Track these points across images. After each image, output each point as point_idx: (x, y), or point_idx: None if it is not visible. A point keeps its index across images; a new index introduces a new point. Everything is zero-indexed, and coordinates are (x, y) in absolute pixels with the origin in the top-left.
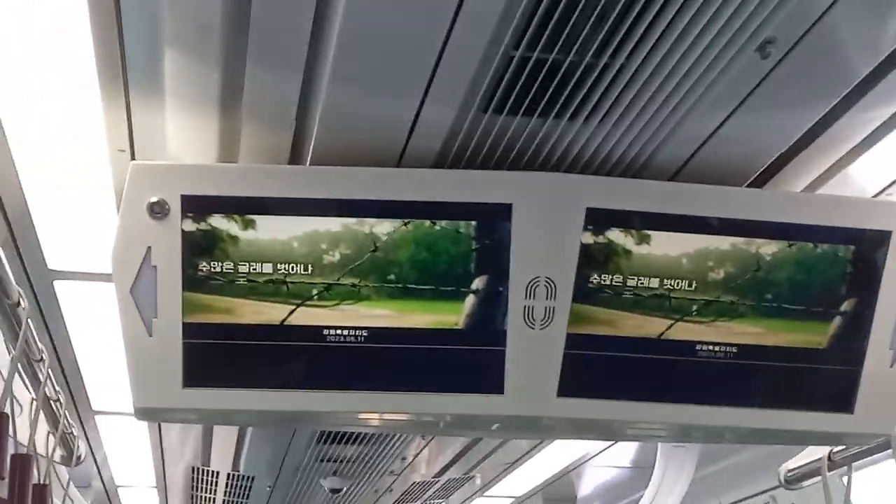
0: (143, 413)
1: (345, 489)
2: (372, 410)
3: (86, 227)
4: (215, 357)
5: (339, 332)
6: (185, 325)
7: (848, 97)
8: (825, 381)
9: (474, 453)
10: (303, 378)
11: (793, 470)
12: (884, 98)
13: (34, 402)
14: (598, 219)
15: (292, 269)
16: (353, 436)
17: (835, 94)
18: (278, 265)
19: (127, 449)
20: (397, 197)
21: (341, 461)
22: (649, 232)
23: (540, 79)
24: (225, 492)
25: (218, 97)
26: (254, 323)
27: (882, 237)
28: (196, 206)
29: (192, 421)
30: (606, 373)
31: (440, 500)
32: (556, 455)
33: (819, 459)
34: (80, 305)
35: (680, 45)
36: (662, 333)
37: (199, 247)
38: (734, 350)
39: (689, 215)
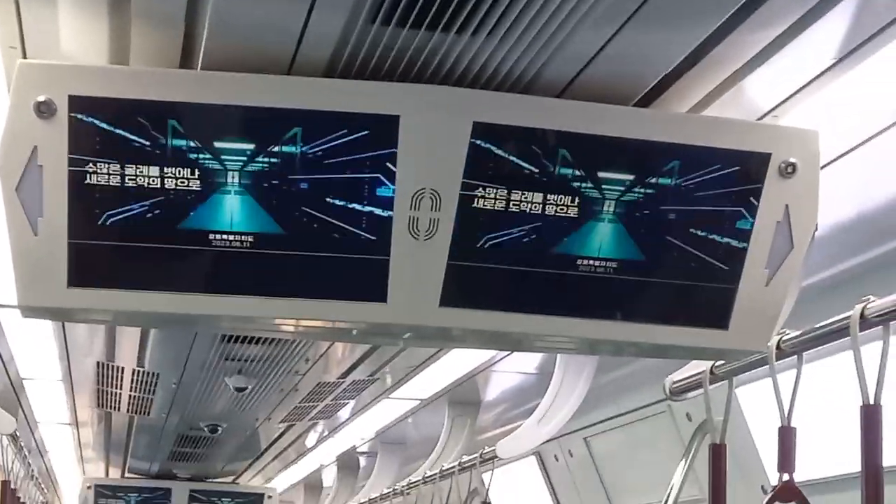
0: (28, 311)
1: (250, 388)
2: (253, 315)
3: None
4: (100, 257)
5: (225, 236)
6: (70, 224)
7: (734, 16)
8: (703, 298)
9: (379, 356)
10: (187, 281)
11: (678, 382)
12: (769, 19)
13: None
14: (485, 133)
15: (179, 173)
16: (258, 337)
17: (720, 13)
18: (165, 168)
19: (31, 343)
20: (287, 105)
21: (246, 360)
22: (534, 147)
23: None
24: (131, 387)
25: None
26: (139, 224)
27: (762, 159)
28: (84, 106)
29: (78, 320)
30: (488, 284)
31: (347, 400)
32: (459, 360)
33: (702, 372)
34: None
35: None
36: (543, 246)
37: (86, 147)
38: (614, 265)
39: (574, 132)
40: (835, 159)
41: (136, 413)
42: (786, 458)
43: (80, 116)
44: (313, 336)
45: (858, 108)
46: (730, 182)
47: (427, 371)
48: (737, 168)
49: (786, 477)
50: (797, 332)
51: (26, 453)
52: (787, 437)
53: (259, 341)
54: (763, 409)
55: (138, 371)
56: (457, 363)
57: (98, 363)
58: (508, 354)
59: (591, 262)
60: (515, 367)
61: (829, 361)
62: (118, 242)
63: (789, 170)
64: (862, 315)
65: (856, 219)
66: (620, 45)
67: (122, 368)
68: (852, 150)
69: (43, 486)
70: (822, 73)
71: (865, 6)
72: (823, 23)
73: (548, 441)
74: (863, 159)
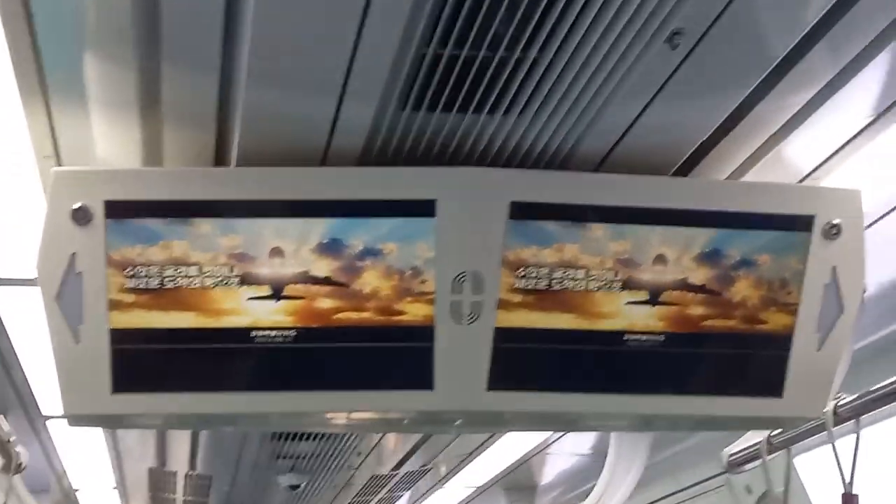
0: (74, 419)
1: (303, 485)
2: (299, 410)
3: (20, 235)
4: (143, 362)
5: (266, 332)
6: (111, 331)
7: (766, 81)
8: (754, 367)
9: (432, 445)
10: (231, 380)
11: (735, 454)
12: (802, 80)
13: None
14: (523, 212)
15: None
16: (308, 433)
17: (752, 78)
18: (204, 268)
19: (83, 453)
20: (322, 196)
21: (297, 458)
22: (574, 224)
23: (455, 75)
24: (184, 491)
25: (137, 101)
26: (180, 327)
27: (806, 222)
28: (120, 211)
29: (124, 426)
30: (535, 365)
31: (401, 493)
32: (513, 445)
33: (759, 443)
34: (21, 312)
35: (589, 37)
36: (590, 324)
37: (124, 253)
38: (662, 338)
39: (614, 206)
40: (877, 219)
41: None
42: None
43: (116, 221)
44: (364, 428)
45: None
46: (775, 247)
47: (480, 458)
48: (781, 232)
49: None
50: (853, 396)
51: None
52: None
53: (310, 437)
54: (822, 477)
55: (191, 475)
56: (510, 448)
57: (150, 469)
58: (562, 436)
59: (639, 336)
60: (570, 449)
61: (883, 425)
62: (161, 346)
63: (834, 231)
64: None
65: None
66: (654, 116)
67: (175, 473)
68: (893, 209)
69: None
70: (861, 132)
71: None
72: (858, 80)
73: None
74: None
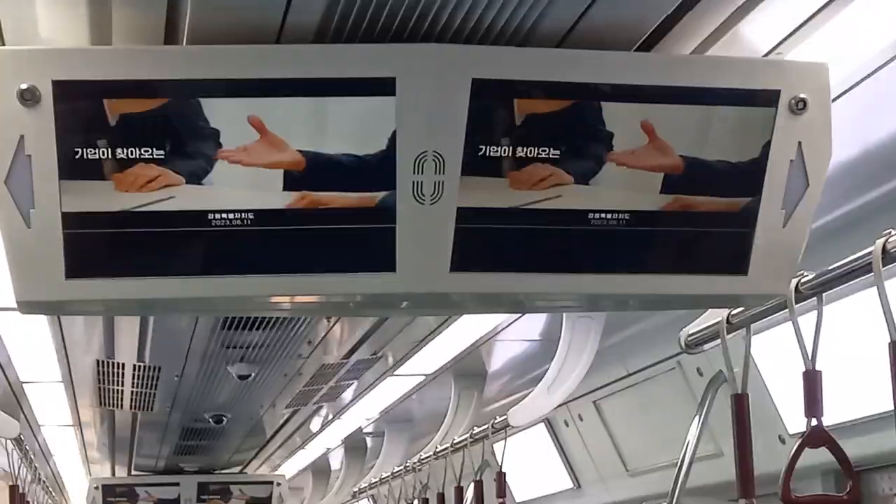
0: (27, 306)
1: (253, 374)
2: (259, 294)
3: None
4: (97, 246)
5: (223, 215)
6: (63, 214)
7: None
8: (719, 244)
9: (382, 333)
10: (188, 264)
11: (693, 334)
12: None
13: None
14: (485, 89)
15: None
16: (258, 321)
17: None
18: (156, 150)
19: (30, 345)
20: (278, 75)
21: (247, 347)
22: (536, 101)
23: None
24: (133, 383)
25: None
26: (134, 209)
27: (771, 96)
28: (68, 91)
29: (79, 312)
30: (499, 245)
31: (351, 381)
32: (463, 331)
33: (718, 322)
34: None
35: None
36: (553, 201)
37: (74, 133)
38: (626, 217)
39: (577, 82)
40: (839, 95)
41: (138, 409)
42: (813, 403)
43: (65, 100)
44: (308, 312)
45: (863, 40)
46: (740, 122)
47: (430, 345)
48: (746, 107)
49: (814, 422)
50: (815, 273)
51: (32, 457)
52: (812, 381)
53: (260, 326)
54: (774, 358)
55: (139, 366)
56: (460, 335)
57: (98, 361)
58: (511, 322)
59: (603, 215)
60: (520, 335)
61: (841, 303)
62: (115, 229)
63: (800, 106)
64: (884, 250)
65: (862, 156)
66: None
67: (123, 364)
68: (856, 84)
69: (50, 489)
70: (826, 6)
71: None
72: None
73: (556, 407)
74: (867, 94)
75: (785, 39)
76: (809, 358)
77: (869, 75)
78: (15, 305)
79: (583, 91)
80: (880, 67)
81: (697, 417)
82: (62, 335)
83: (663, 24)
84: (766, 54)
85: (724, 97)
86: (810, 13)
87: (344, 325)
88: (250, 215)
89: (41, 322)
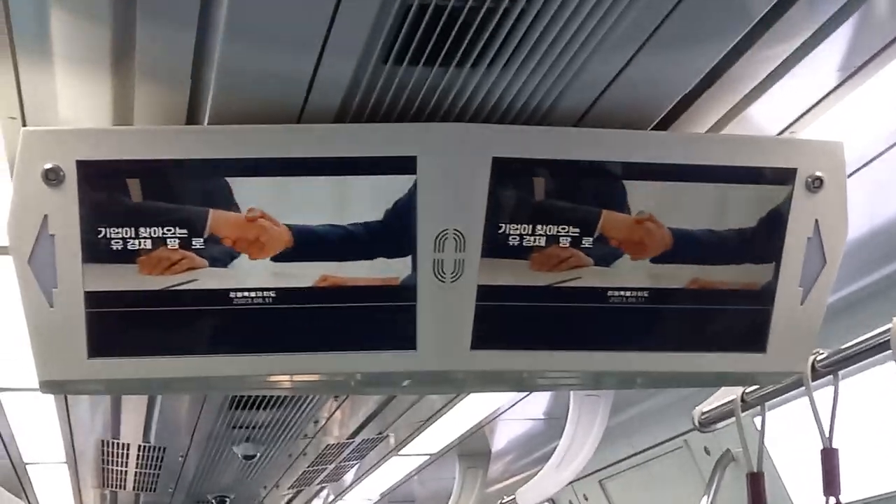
0: (48, 386)
1: (258, 455)
2: (282, 373)
3: None
4: (119, 325)
5: (244, 293)
6: (86, 293)
7: (748, 36)
8: (737, 322)
9: (387, 413)
10: (210, 343)
11: (706, 412)
12: (783, 36)
13: None
14: (505, 167)
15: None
16: (265, 400)
17: (734, 33)
18: (179, 229)
19: (34, 425)
20: (299, 154)
21: (253, 427)
22: (556, 179)
23: (440, 26)
24: (137, 464)
25: (109, 57)
26: (156, 288)
27: (788, 174)
28: (92, 170)
29: (100, 392)
30: (519, 323)
31: (355, 461)
32: (469, 411)
33: (732, 401)
34: None
35: None
36: (573, 281)
37: (97, 213)
38: (645, 294)
39: (596, 160)
40: (853, 172)
41: (141, 491)
42: (831, 481)
43: (88, 180)
44: (308, 390)
45: (876, 119)
46: (757, 200)
47: (436, 424)
48: (763, 185)
49: (832, 501)
50: (831, 351)
51: None
52: (830, 459)
53: (267, 405)
54: (781, 435)
55: (144, 447)
56: (465, 415)
57: (102, 441)
58: (518, 401)
59: (622, 292)
60: (525, 414)
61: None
62: (138, 308)
63: (816, 184)
64: None
65: (876, 231)
66: (636, 70)
67: (128, 445)
68: (870, 161)
69: None
70: (839, 86)
71: (877, 18)
72: (837, 36)
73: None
74: (880, 170)
75: (798, 119)
76: (827, 436)
77: (882, 153)
78: (21, 386)
79: (601, 169)
80: (894, 144)
81: (706, 497)
82: (68, 415)
83: (680, 104)
84: (781, 132)
85: (741, 175)
86: (823, 93)
87: (349, 406)
88: (272, 293)
89: (48, 401)
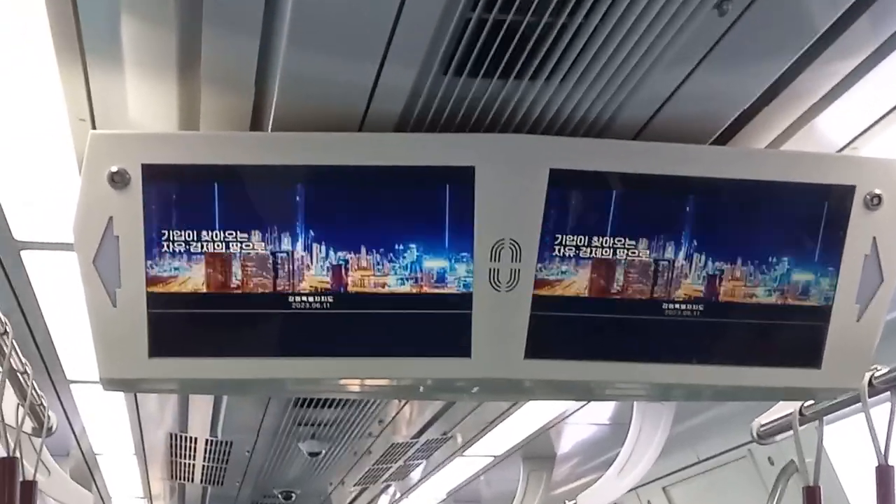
0: (110, 383)
1: (323, 452)
2: (337, 377)
3: (51, 198)
4: (180, 326)
5: (304, 297)
6: (149, 294)
7: (809, 52)
8: (794, 337)
9: (452, 413)
10: (268, 345)
11: (765, 425)
12: (844, 52)
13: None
14: (562, 179)
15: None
16: (330, 399)
17: (795, 48)
18: (240, 232)
19: (104, 417)
20: (360, 162)
21: (319, 424)
22: (614, 191)
23: (499, 40)
24: (204, 457)
25: (176, 63)
26: (218, 291)
27: (846, 192)
28: (157, 174)
29: (160, 391)
30: (573, 334)
31: (420, 461)
32: (533, 414)
33: (790, 414)
34: (49, 275)
35: (637, 2)
36: (628, 293)
37: (161, 215)
38: (701, 308)
39: (654, 174)
40: None
41: (209, 484)
42: (886, 498)
43: (153, 184)
44: (378, 395)
45: None
46: (815, 217)
47: (500, 427)
48: (821, 202)
49: None
50: (889, 368)
51: None
52: (885, 476)
53: (332, 404)
54: (847, 448)
55: (211, 441)
56: (530, 418)
57: (171, 434)
58: (581, 406)
59: (678, 305)
60: (589, 419)
61: None
62: (199, 310)
63: (875, 201)
64: None
65: None
66: (695, 85)
67: (196, 439)
68: None
69: None
70: None
71: None
72: None
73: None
74: None
75: (860, 135)
76: (882, 452)
77: None
78: (92, 379)
79: (659, 183)
80: None
81: None
82: (137, 408)
83: (739, 119)
84: (841, 149)
85: (800, 192)
86: (886, 110)
87: (414, 406)
88: (330, 298)
89: (117, 395)
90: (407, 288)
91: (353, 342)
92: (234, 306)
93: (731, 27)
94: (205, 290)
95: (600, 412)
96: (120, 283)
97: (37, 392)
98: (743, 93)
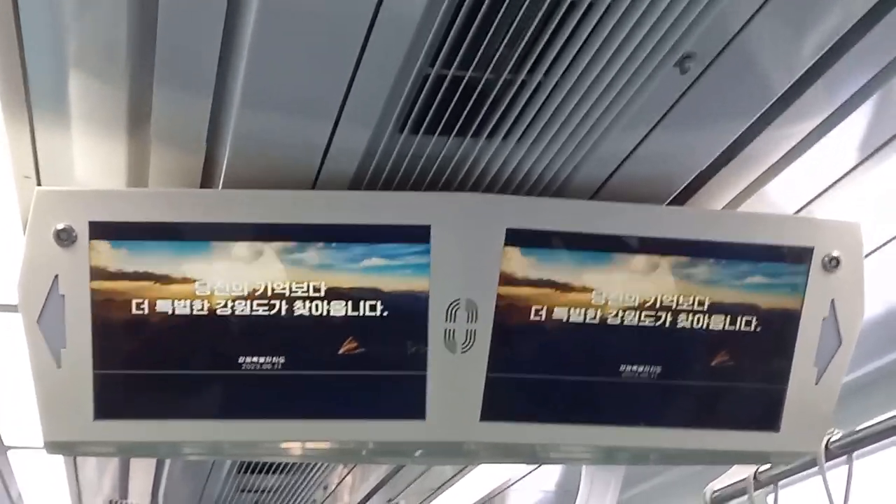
0: (53, 447)
1: None
2: (289, 439)
3: None
4: (127, 388)
5: (255, 359)
6: (95, 354)
7: (766, 115)
8: (750, 400)
9: (398, 480)
10: (217, 407)
11: (718, 490)
12: (801, 115)
13: None
14: (519, 239)
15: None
16: (274, 465)
17: (753, 111)
18: (190, 293)
19: (42, 484)
20: (312, 220)
21: (262, 491)
22: (570, 251)
23: (456, 97)
24: None
25: (126, 119)
26: (166, 352)
27: (804, 253)
28: (104, 232)
29: (105, 454)
30: (530, 396)
31: None
32: (480, 480)
33: (745, 479)
34: None
35: (598, 61)
36: (585, 354)
37: (108, 274)
38: (658, 370)
39: (610, 234)
40: (870, 252)
41: None
42: None
43: (100, 242)
44: (322, 457)
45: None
46: (772, 278)
47: (446, 494)
48: (779, 264)
49: None
50: (846, 432)
51: None
52: None
53: (276, 471)
54: None
55: None
56: (476, 485)
57: (110, 502)
58: (529, 472)
59: (635, 368)
60: (536, 486)
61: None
62: (145, 371)
63: (833, 263)
64: None
65: (890, 314)
66: (654, 145)
67: None
68: (886, 243)
69: None
70: (854, 168)
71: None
72: (853, 118)
73: None
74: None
75: (815, 198)
76: None
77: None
78: (30, 444)
79: (616, 243)
80: None
81: None
82: (76, 474)
83: (697, 180)
84: (798, 211)
85: (757, 253)
86: (841, 173)
87: (359, 472)
88: (281, 359)
89: (56, 460)
90: (358, 348)
91: (306, 404)
92: (182, 367)
93: (691, 87)
94: (152, 351)
95: (548, 478)
96: (65, 342)
97: None
98: (701, 153)
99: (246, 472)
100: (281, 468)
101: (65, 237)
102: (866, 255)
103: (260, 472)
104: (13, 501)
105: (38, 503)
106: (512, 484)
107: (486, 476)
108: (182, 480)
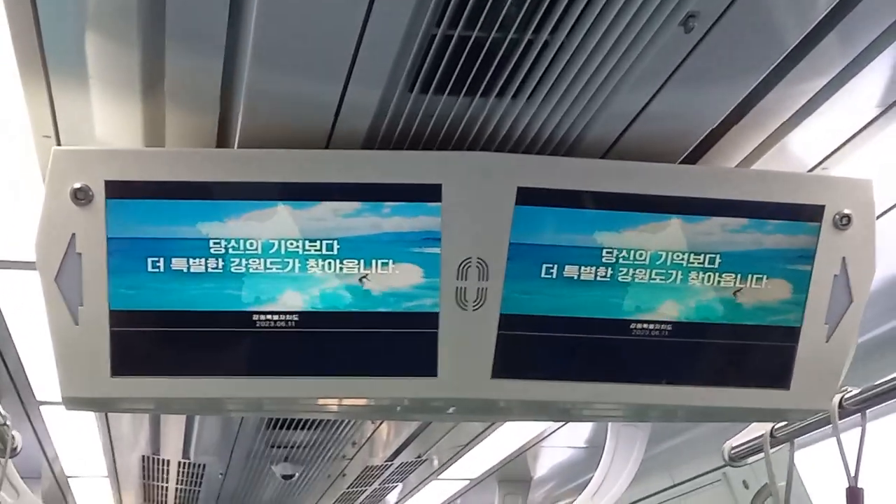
0: (71, 402)
1: (297, 475)
2: (302, 396)
3: (17, 216)
4: (143, 345)
5: (268, 316)
6: (111, 312)
7: (778, 69)
8: (762, 358)
9: (427, 436)
10: (232, 364)
11: (736, 447)
12: (814, 69)
13: None
14: (530, 198)
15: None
16: (303, 421)
17: (763, 66)
18: (206, 249)
19: (76, 439)
20: (326, 179)
21: (292, 447)
22: (581, 210)
23: (464, 57)
24: (177, 480)
25: (140, 80)
26: (182, 309)
27: (815, 211)
28: (121, 191)
29: (123, 410)
30: (541, 353)
31: (395, 484)
32: (509, 437)
33: (762, 436)
34: (17, 295)
35: (603, 19)
36: (596, 312)
37: (124, 232)
38: (669, 328)
39: (622, 193)
40: (885, 212)
41: None
42: None
43: (117, 201)
44: (355, 415)
45: None
46: (783, 236)
47: (476, 450)
48: (790, 221)
49: None
50: (859, 389)
51: None
52: (855, 498)
53: (305, 426)
54: (819, 472)
55: (184, 463)
56: (506, 440)
57: (143, 457)
58: (557, 429)
59: (645, 325)
60: (565, 442)
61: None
62: (162, 328)
63: (844, 221)
64: None
65: None
66: (664, 103)
67: (168, 462)
68: None
69: None
70: (871, 123)
71: None
72: (868, 72)
73: None
74: None
75: (831, 155)
76: (853, 474)
77: None
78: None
79: (627, 202)
80: None
81: None
82: (109, 430)
83: (709, 138)
84: (812, 169)
85: (769, 211)
86: (856, 129)
87: (389, 428)
88: (294, 317)
89: (89, 417)
90: (371, 306)
91: (319, 361)
92: (197, 324)
93: (698, 45)
94: (168, 309)
95: (576, 435)
96: (82, 300)
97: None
98: (711, 112)
99: (276, 427)
100: (310, 424)
101: (81, 196)
102: (883, 214)
103: (289, 427)
104: (48, 457)
105: (74, 458)
106: (541, 440)
107: (515, 432)
108: (213, 436)
